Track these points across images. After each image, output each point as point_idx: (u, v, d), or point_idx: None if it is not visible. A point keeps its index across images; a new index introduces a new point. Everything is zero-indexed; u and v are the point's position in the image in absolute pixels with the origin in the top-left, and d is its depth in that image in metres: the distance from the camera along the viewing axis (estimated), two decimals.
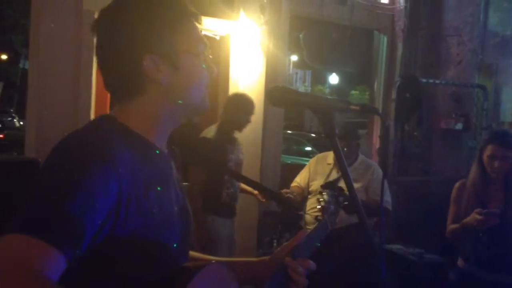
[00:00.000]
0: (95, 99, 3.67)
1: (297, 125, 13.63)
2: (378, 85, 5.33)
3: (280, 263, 1.17)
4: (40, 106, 3.41)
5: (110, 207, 0.91)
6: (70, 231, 0.84)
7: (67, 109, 3.48)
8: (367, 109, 1.22)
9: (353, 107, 1.13)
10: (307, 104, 1.17)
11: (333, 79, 14.58)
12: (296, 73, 12.98)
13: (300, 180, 3.95)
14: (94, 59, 3.75)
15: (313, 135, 11.21)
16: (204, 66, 1.11)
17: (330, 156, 3.85)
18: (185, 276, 0.98)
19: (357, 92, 15.05)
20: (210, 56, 1.14)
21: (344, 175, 1.13)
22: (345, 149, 3.73)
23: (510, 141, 2.70)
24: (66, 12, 3.51)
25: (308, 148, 9.63)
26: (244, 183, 3.37)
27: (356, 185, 3.69)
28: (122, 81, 1.08)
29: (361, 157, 3.86)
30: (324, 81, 15.22)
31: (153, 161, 1.06)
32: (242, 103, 3.64)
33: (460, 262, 2.87)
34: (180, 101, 1.09)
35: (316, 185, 3.85)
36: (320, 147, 9.04)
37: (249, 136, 3.95)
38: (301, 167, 4.14)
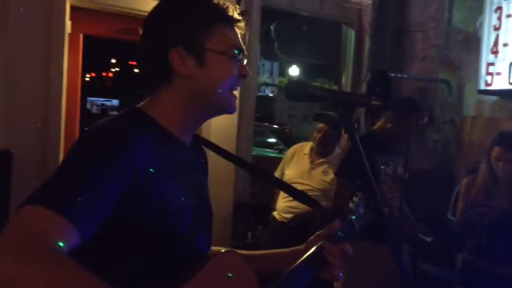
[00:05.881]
0: (67, 88, 3.55)
1: (262, 116, 13.64)
2: (347, 79, 5.40)
3: (315, 247, 1.19)
4: (10, 96, 3.26)
5: (125, 190, 0.95)
6: (84, 207, 0.87)
7: (37, 99, 3.35)
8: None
9: (374, 102, 1.15)
10: (327, 98, 1.17)
11: (293, 71, 14.66)
12: (263, 65, 13.00)
13: (278, 174, 4.00)
14: (66, 47, 3.60)
15: (275, 126, 11.25)
16: (234, 70, 1.15)
17: (307, 146, 3.92)
18: (197, 264, 1.01)
19: (318, 84, 15.19)
20: (245, 63, 1.18)
21: (364, 170, 1.14)
22: (320, 135, 3.78)
23: None
24: None
25: (272, 140, 9.64)
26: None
27: (326, 178, 3.77)
28: (150, 69, 1.15)
29: (337, 151, 3.92)
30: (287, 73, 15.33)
31: (174, 153, 1.11)
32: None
33: (465, 253, 2.99)
34: (202, 97, 1.13)
35: (289, 174, 3.90)
36: (283, 139, 9.12)
37: (224, 129, 3.92)
38: (264, 158, 4.18)
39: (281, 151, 8.62)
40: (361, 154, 1.13)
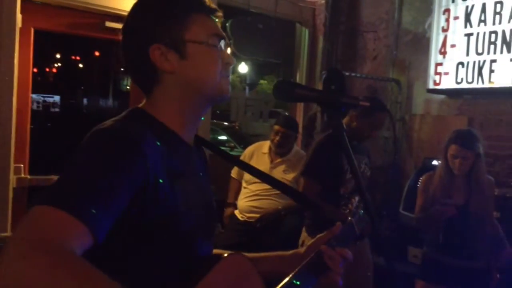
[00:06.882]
0: (17, 84, 3.39)
1: (216, 113, 13.56)
2: (301, 77, 5.47)
3: (315, 252, 1.18)
4: None
5: (136, 191, 0.94)
6: (98, 209, 0.85)
7: None
8: (377, 105, 1.26)
9: (362, 103, 1.17)
10: (317, 99, 1.18)
11: (242, 68, 14.72)
12: None
13: (235, 174, 4.00)
14: (17, 41, 3.44)
15: (226, 123, 11.22)
16: (218, 58, 1.14)
17: (265, 145, 3.95)
18: (204, 266, 1.01)
19: (266, 81, 15.30)
20: (228, 49, 1.17)
21: (354, 171, 1.16)
22: (278, 137, 3.81)
23: (471, 143, 2.86)
24: None
25: (223, 137, 9.62)
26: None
27: (287, 176, 3.80)
28: (138, 73, 1.15)
29: (295, 148, 3.97)
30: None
31: (180, 154, 1.10)
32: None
33: (424, 248, 3.09)
34: (193, 90, 1.12)
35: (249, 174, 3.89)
36: (235, 136, 9.14)
37: None
38: (214, 156, 4.12)
39: (232, 149, 8.63)
40: (350, 155, 1.14)
